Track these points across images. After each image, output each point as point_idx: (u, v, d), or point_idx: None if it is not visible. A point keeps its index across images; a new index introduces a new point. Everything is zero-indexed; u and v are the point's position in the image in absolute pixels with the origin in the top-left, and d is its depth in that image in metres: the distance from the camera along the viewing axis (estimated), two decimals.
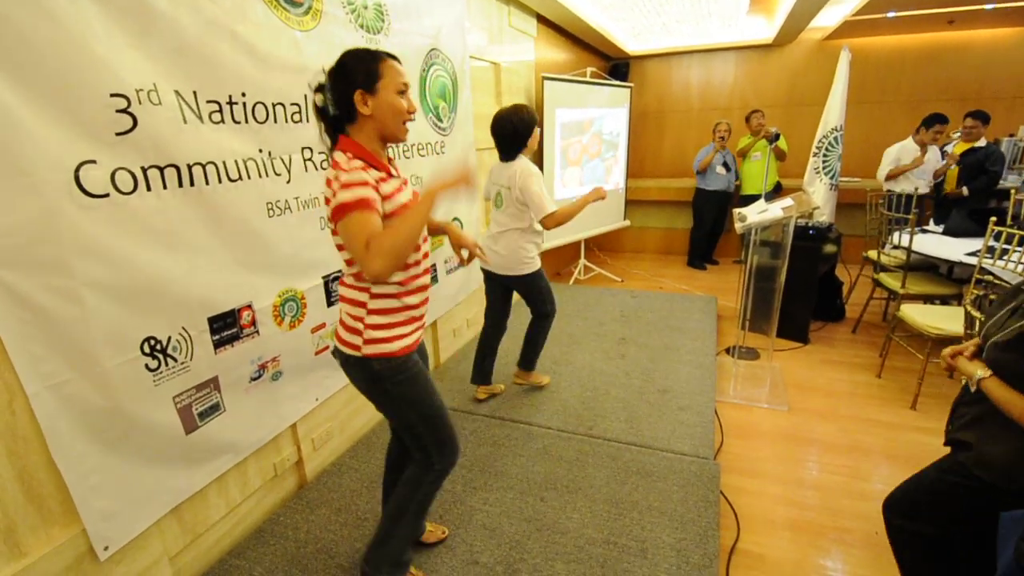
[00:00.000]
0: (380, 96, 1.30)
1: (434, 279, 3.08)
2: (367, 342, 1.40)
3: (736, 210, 3.03)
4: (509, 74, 3.88)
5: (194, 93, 1.56)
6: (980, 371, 1.27)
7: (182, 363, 1.60)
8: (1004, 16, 4.88)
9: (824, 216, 4.59)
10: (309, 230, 2.06)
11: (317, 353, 2.17)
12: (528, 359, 2.93)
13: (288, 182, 1.92)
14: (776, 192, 5.15)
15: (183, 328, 1.59)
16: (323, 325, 2.18)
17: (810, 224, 3.73)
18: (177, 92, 1.51)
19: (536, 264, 2.65)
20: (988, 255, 2.83)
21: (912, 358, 3.22)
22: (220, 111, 1.65)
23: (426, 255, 1.49)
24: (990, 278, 2.72)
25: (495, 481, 2.20)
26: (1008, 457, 1.23)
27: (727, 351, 3.61)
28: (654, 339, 3.62)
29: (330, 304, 2.21)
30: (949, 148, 4.35)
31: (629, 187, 5.94)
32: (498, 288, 2.78)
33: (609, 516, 1.99)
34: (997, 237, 2.79)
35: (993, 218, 2.88)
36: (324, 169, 2.07)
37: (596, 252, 6.53)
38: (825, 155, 4.64)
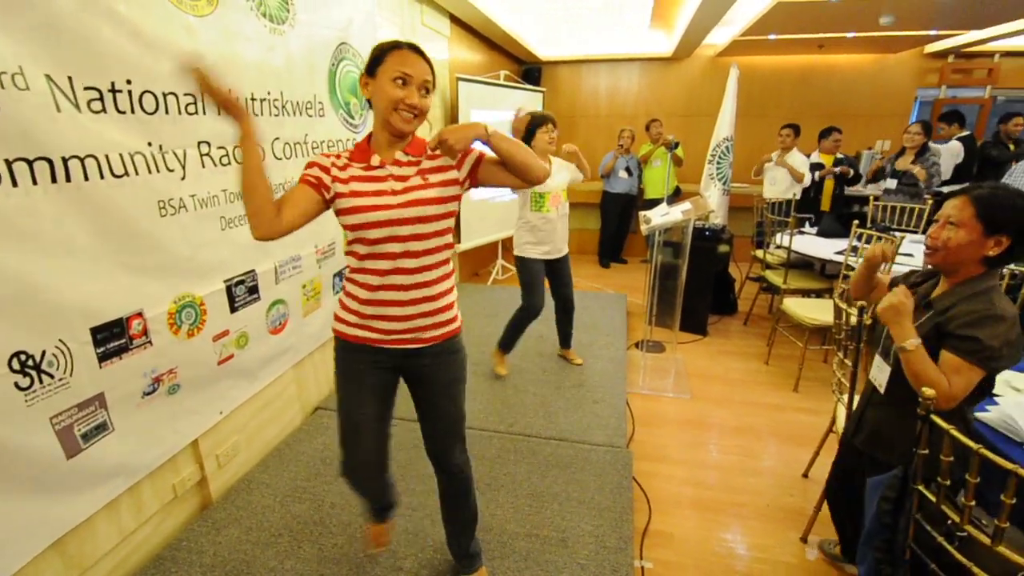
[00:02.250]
0: (377, 80, 1.26)
1: None
2: (335, 317, 1.45)
3: (641, 213, 3.22)
4: None
5: (69, 78, 1.40)
6: (914, 339, 1.36)
7: (60, 379, 1.43)
8: (863, 44, 5.60)
9: (718, 219, 5.00)
10: (208, 230, 1.91)
11: (220, 363, 2.02)
12: (502, 337, 3.15)
13: (183, 179, 1.77)
14: (676, 196, 5.52)
15: (60, 340, 1.42)
16: (226, 333, 2.03)
17: (706, 226, 4.05)
18: (48, 76, 1.35)
19: (521, 251, 2.93)
20: (852, 253, 3.23)
21: (794, 346, 3.60)
22: (101, 99, 1.49)
23: (394, 249, 1.30)
24: (852, 272, 3.11)
25: (416, 484, 2.18)
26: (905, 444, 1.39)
27: (636, 345, 3.82)
28: None
29: (234, 310, 2.07)
30: (814, 158, 4.87)
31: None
32: None
33: (531, 510, 2.05)
34: (859, 238, 3.20)
35: (856, 221, 3.30)
36: (224, 165, 1.94)
37: (507, 255, 6.62)
38: (719, 163, 5.06)
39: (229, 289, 2.04)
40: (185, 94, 1.75)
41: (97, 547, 1.61)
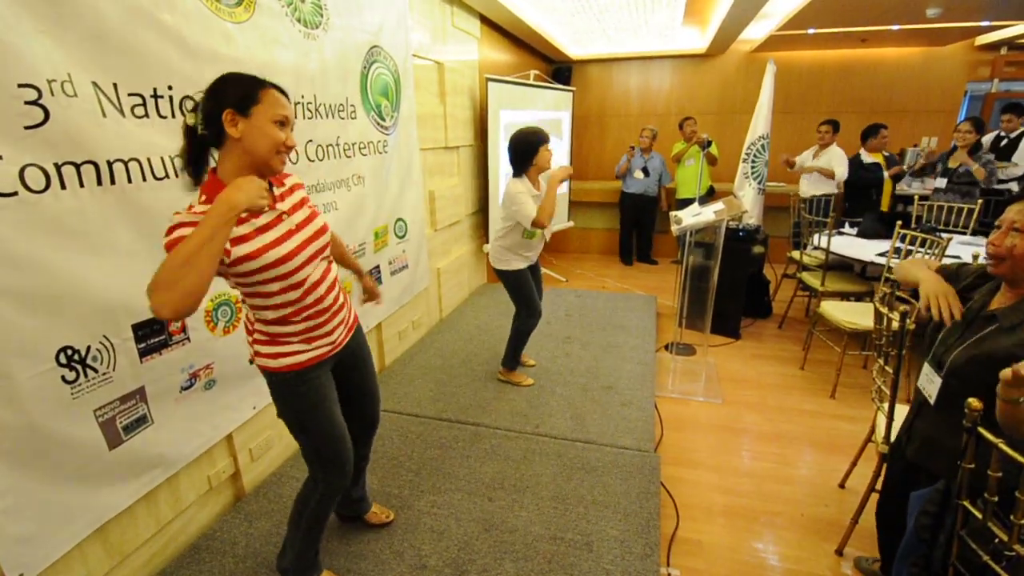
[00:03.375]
0: (252, 120, 1.19)
1: (377, 281, 3.02)
2: (256, 355, 1.42)
3: (672, 213, 3.17)
4: (453, 74, 3.86)
5: (114, 85, 1.47)
6: None
7: (104, 374, 1.49)
8: (909, 36, 5.36)
9: (752, 219, 4.87)
10: None
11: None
12: (505, 357, 3.11)
13: None
14: (709, 196, 5.41)
15: (104, 336, 1.49)
16: None
17: (740, 226, 3.95)
18: (95, 83, 1.41)
19: (508, 265, 2.87)
20: (895, 255, 3.10)
21: (831, 351, 3.48)
22: (144, 104, 1.56)
23: (316, 276, 1.38)
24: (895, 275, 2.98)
25: (443, 483, 2.20)
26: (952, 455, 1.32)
27: (666, 348, 3.76)
28: (598, 337, 3.72)
29: None
30: (866, 158, 4.68)
31: (573, 189, 6.06)
32: None
33: (556, 512, 2.04)
34: (903, 239, 3.07)
35: (899, 222, 3.16)
36: None
37: (542, 253, 6.61)
38: (753, 161, 4.92)
39: None
40: None
41: (137, 535, 1.68)
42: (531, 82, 4.96)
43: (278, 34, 2.06)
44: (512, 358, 3.09)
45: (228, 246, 1.18)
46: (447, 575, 1.75)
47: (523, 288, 2.92)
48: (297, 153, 2.23)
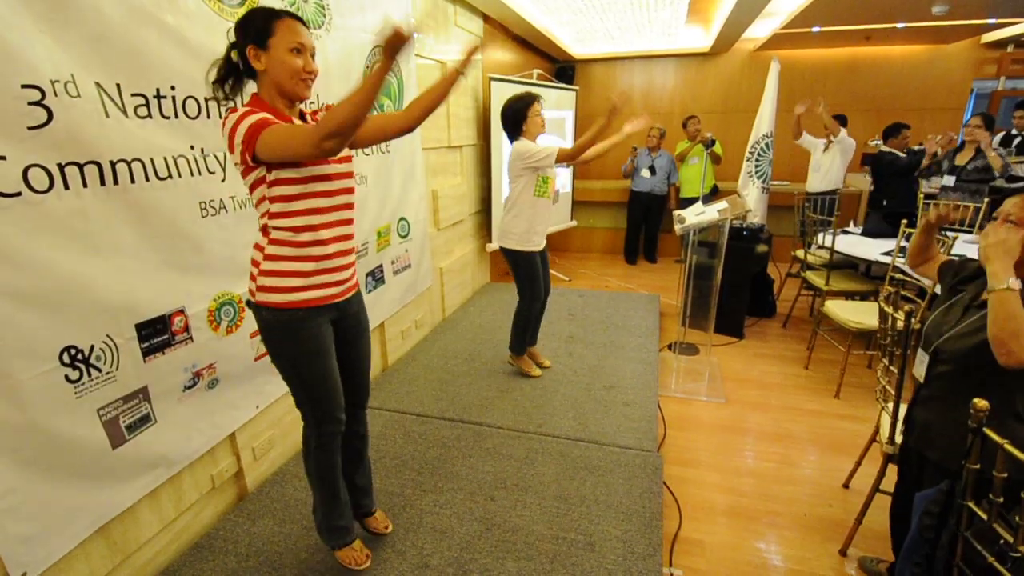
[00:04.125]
0: (272, 52, 1.30)
1: (380, 280, 3.02)
2: (259, 288, 1.40)
3: (675, 212, 3.16)
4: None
5: (117, 85, 1.47)
6: (1016, 280, 1.24)
7: (107, 373, 1.50)
8: (915, 34, 5.32)
9: (756, 218, 4.85)
10: (247, 231, 1.97)
11: (257, 359, 2.08)
12: (512, 342, 3.11)
13: (223, 180, 1.84)
14: (713, 195, 5.39)
15: (108, 336, 1.49)
16: None
17: (744, 225, 3.93)
18: (98, 84, 1.42)
19: (518, 244, 2.85)
20: (900, 255, 3.08)
21: (835, 350, 3.46)
22: (147, 105, 1.56)
23: (341, 201, 1.44)
24: (901, 276, 2.96)
25: (445, 483, 2.20)
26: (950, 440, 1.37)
27: (669, 347, 3.75)
28: (600, 337, 3.71)
29: None
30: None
31: (576, 188, 6.05)
32: None
33: (558, 512, 2.03)
34: (908, 238, 3.05)
35: (904, 220, 3.14)
36: None
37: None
38: (757, 160, 4.91)
39: None
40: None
41: (140, 534, 1.69)
42: (534, 81, 4.95)
43: None
44: (518, 343, 3.09)
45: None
46: (449, 574, 1.75)
47: (530, 271, 2.91)
48: None
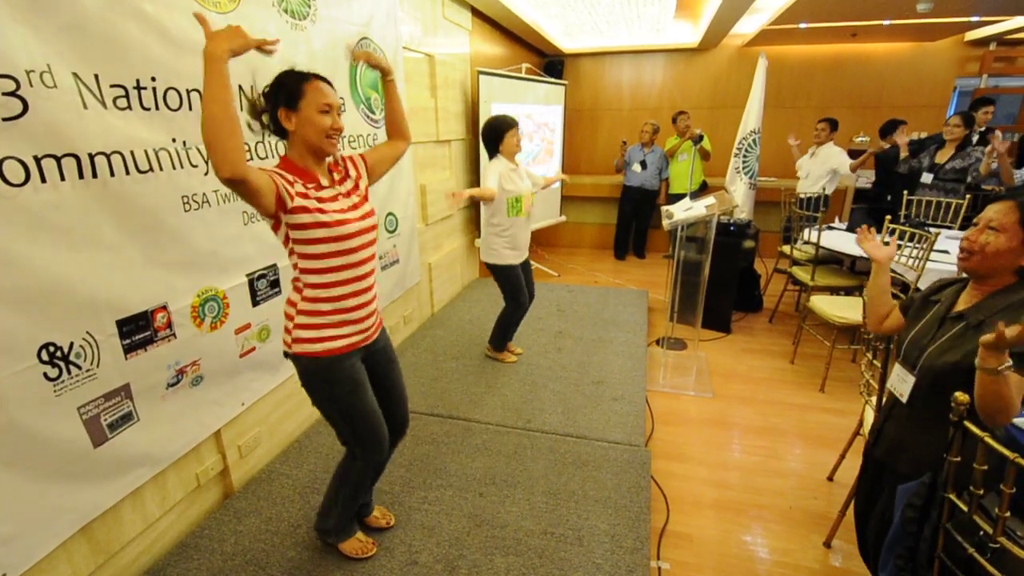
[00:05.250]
0: (302, 113, 1.37)
1: None
2: (295, 341, 1.48)
3: (664, 208, 3.17)
4: (444, 67, 3.83)
5: (95, 76, 1.43)
6: (1005, 367, 1.15)
7: (87, 371, 1.47)
8: (900, 31, 5.37)
9: (743, 214, 4.89)
10: (231, 225, 1.94)
11: (243, 355, 2.06)
12: (493, 337, 3.26)
13: (206, 174, 1.80)
14: (702, 191, 5.41)
15: (88, 333, 1.46)
16: (248, 326, 2.07)
17: (731, 221, 3.95)
18: (75, 74, 1.38)
19: (500, 259, 2.98)
20: None
21: (821, 345, 3.50)
22: (126, 96, 1.52)
23: (365, 255, 1.51)
24: None
25: (434, 479, 2.19)
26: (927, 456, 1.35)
27: (657, 342, 3.77)
28: (589, 332, 3.72)
29: (256, 303, 2.10)
30: None
31: (565, 183, 6.04)
32: None
33: (547, 507, 2.04)
34: (892, 233, 3.09)
35: (888, 216, 3.18)
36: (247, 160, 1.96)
37: (534, 247, 6.59)
38: (745, 156, 4.94)
39: (251, 283, 2.07)
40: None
41: (123, 533, 1.66)
42: (523, 75, 4.93)
43: (265, 25, 2.03)
44: (500, 340, 3.25)
45: (289, 201, 1.33)
46: (438, 571, 1.75)
47: (512, 281, 3.04)
48: None
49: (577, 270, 5.71)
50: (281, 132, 1.42)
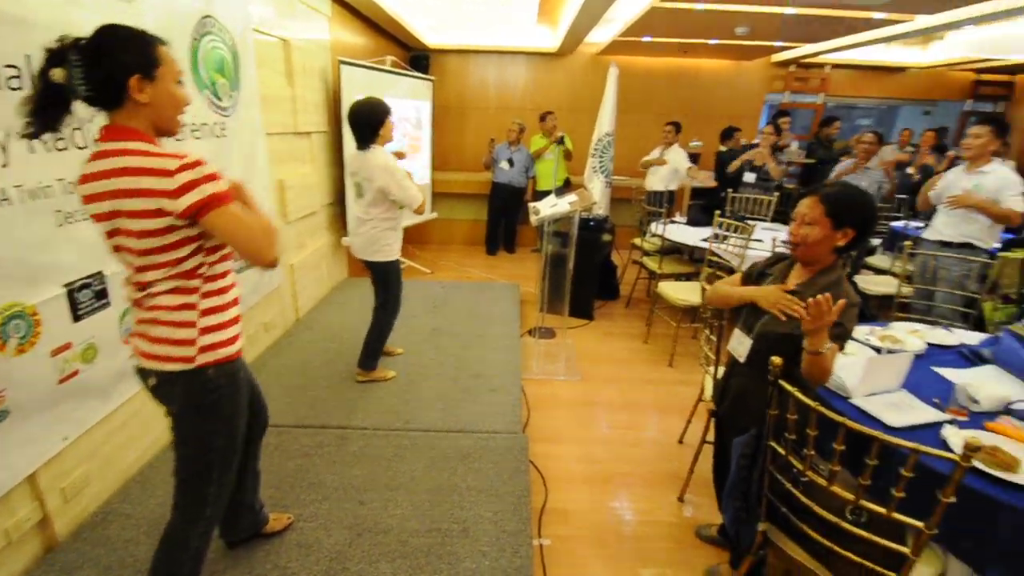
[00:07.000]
0: (159, 84, 1.16)
1: None
2: (203, 349, 1.27)
3: (531, 204, 3.32)
4: (301, 53, 3.58)
5: None
6: (828, 343, 1.40)
7: None
8: (722, 51, 6.19)
9: (601, 210, 5.28)
10: (39, 227, 1.64)
11: (62, 381, 1.74)
12: (364, 358, 2.94)
13: (4, 166, 1.50)
14: (566, 187, 5.75)
15: None
16: (68, 346, 1.75)
17: (590, 217, 4.26)
18: None
19: (392, 255, 2.79)
20: (715, 240, 3.59)
21: (669, 325, 3.93)
22: None
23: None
24: (716, 258, 3.46)
25: (307, 494, 2.07)
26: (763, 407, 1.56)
27: (529, 332, 3.94)
28: (465, 327, 3.77)
29: (78, 318, 1.79)
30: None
31: (435, 179, 6.02)
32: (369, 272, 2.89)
33: (431, 505, 2.04)
34: (720, 225, 3.57)
35: (717, 211, 3.67)
36: (60, 150, 1.67)
37: (405, 244, 6.48)
38: (601, 156, 5.33)
39: (71, 295, 1.76)
40: (7, 65, 1.46)
41: None
42: (388, 68, 4.80)
43: None
44: (372, 357, 2.94)
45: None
46: None
47: (399, 278, 2.87)
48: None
49: (449, 266, 5.73)
50: (106, 102, 1.13)
